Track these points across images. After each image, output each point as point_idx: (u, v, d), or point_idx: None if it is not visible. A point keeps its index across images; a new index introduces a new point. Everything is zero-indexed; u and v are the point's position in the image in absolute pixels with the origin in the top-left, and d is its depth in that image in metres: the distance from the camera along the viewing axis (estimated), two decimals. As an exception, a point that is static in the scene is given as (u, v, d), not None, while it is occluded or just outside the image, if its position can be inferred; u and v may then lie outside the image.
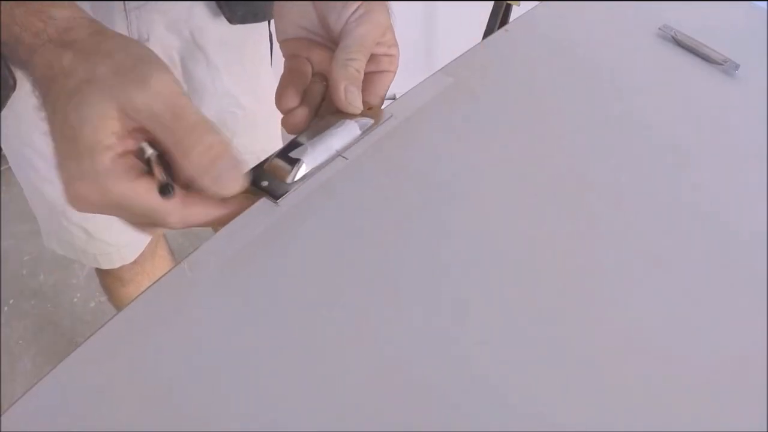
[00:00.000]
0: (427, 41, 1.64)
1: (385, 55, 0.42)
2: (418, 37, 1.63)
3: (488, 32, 1.18)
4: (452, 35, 1.00)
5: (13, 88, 0.57)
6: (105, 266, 0.78)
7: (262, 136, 0.82)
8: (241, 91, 0.74)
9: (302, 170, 0.35)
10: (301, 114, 0.39)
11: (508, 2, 1.14)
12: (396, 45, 0.43)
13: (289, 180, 0.35)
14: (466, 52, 0.50)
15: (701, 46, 0.59)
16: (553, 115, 0.46)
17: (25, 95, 0.59)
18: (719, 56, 0.58)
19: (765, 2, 0.72)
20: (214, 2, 0.65)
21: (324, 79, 0.42)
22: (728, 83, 0.57)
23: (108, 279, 0.86)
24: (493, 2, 1.18)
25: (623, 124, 0.47)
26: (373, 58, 0.41)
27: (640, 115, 0.49)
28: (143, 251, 0.80)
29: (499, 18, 1.17)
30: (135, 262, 0.80)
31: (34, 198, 0.71)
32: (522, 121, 0.44)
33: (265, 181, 0.35)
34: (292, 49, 0.43)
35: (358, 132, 0.39)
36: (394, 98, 0.44)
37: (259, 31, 0.72)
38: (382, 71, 0.42)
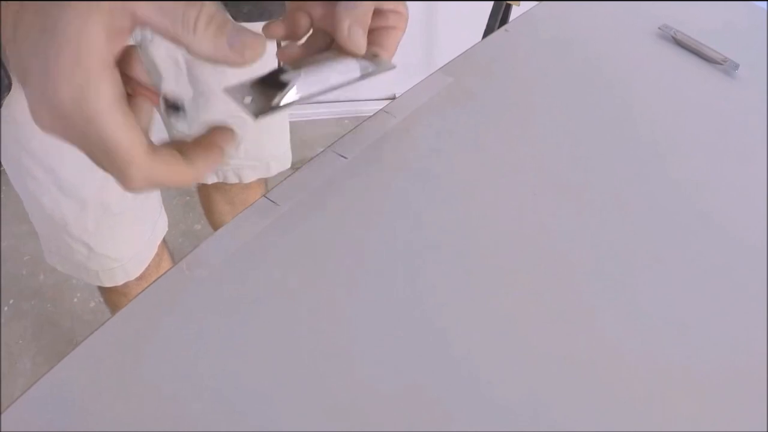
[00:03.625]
0: (427, 41, 1.64)
1: (393, 11, 0.40)
2: (418, 37, 1.63)
3: (488, 32, 1.18)
4: (452, 35, 1.00)
5: (9, 88, 0.55)
6: (108, 284, 0.74)
7: (269, 143, 0.80)
8: None
9: (291, 95, 0.33)
10: (297, 50, 0.37)
11: (508, 2, 1.14)
12: (404, 5, 0.40)
13: (274, 102, 0.32)
14: (466, 52, 0.50)
15: (701, 46, 0.59)
16: (553, 114, 0.46)
17: (24, 99, 0.57)
18: (719, 56, 0.58)
19: (765, 2, 0.73)
20: (219, 1, 0.64)
21: (326, 35, 0.39)
22: (728, 83, 0.57)
23: (112, 295, 0.81)
24: (493, 2, 1.17)
25: (623, 124, 0.47)
26: (379, 13, 0.39)
27: (639, 114, 0.49)
28: (148, 265, 0.76)
29: (499, 18, 1.17)
30: (140, 277, 0.75)
31: (34, 210, 0.68)
32: (522, 121, 0.44)
33: (249, 98, 0.32)
34: (292, 6, 0.40)
35: (358, 74, 0.36)
36: (393, 98, 0.44)
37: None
38: (389, 27, 0.40)
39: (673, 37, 0.61)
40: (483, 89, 0.46)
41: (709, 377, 0.31)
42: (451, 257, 0.33)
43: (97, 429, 0.23)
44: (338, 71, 0.35)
